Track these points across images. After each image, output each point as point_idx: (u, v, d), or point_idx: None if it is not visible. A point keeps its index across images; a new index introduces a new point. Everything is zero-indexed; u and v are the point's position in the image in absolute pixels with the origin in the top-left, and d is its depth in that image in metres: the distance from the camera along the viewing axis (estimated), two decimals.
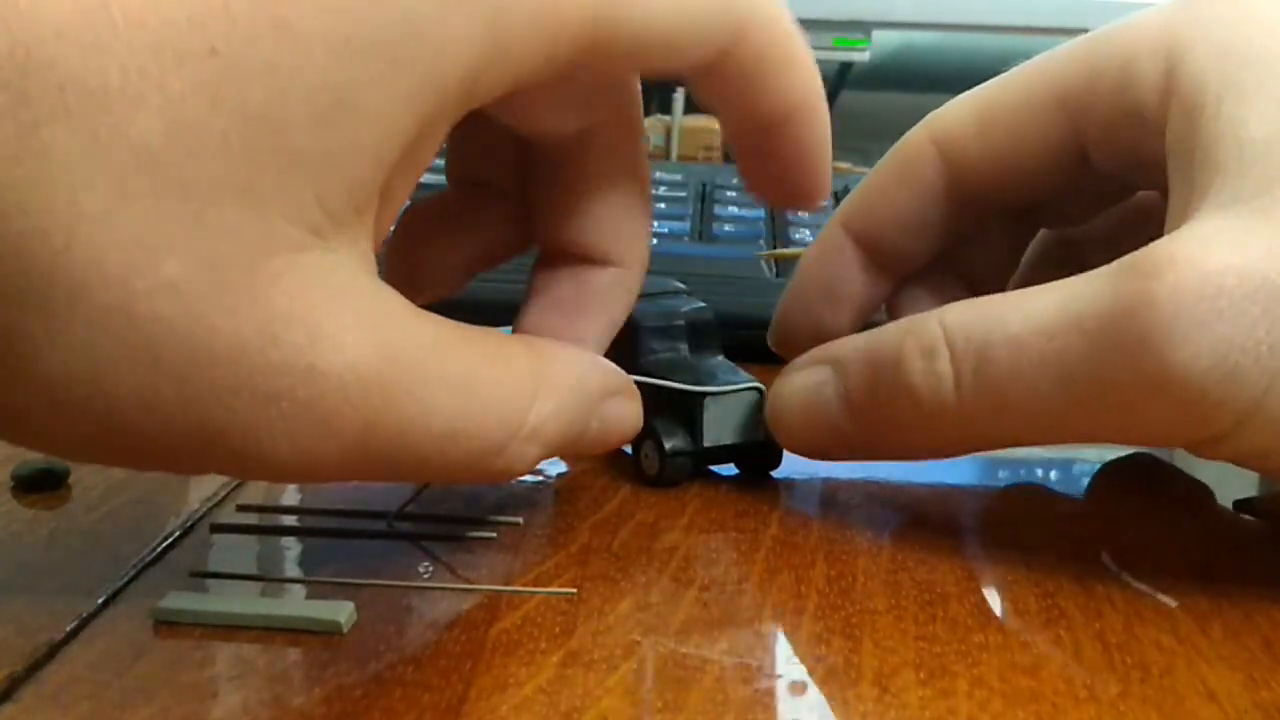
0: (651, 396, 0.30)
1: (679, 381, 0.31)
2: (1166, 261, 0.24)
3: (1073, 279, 0.26)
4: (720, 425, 0.31)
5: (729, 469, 0.32)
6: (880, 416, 0.28)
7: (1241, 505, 0.30)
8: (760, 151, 0.29)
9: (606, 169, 0.28)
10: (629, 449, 0.32)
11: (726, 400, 0.31)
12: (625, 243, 0.29)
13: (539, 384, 0.25)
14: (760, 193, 0.30)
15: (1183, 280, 0.24)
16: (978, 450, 0.29)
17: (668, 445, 0.30)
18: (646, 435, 0.31)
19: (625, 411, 0.28)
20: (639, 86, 0.28)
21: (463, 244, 0.30)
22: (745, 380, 0.31)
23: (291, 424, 0.20)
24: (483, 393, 0.24)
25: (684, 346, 0.32)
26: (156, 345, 0.19)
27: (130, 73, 0.18)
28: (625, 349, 0.32)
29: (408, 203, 0.26)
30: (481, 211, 0.30)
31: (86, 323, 0.19)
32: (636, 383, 0.30)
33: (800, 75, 0.28)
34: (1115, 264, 0.25)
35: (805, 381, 0.30)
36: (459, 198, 0.30)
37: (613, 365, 0.28)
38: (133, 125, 0.18)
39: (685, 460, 0.31)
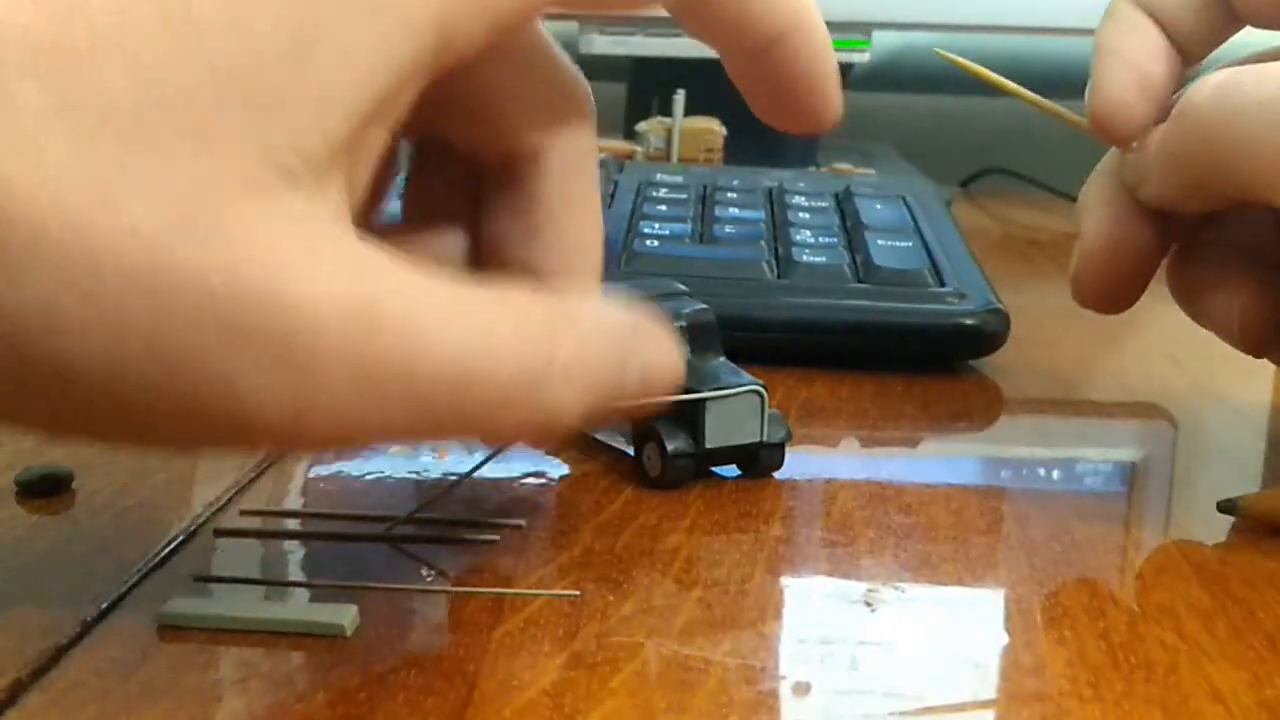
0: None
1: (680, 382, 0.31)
2: None
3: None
4: (722, 427, 0.31)
5: (731, 470, 0.32)
6: None
7: (1224, 506, 0.30)
8: (761, 75, 0.28)
9: (563, 190, 0.28)
10: (631, 451, 0.32)
11: (728, 402, 0.31)
12: (582, 259, 0.28)
13: (558, 321, 0.23)
14: (768, 120, 0.29)
15: None
16: None
17: (670, 447, 0.30)
18: (649, 437, 0.31)
19: (664, 351, 0.26)
20: (593, 106, 0.28)
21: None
22: (747, 382, 0.31)
23: (268, 370, 0.20)
24: (493, 330, 0.22)
25: (685, 349, 0.32)
26: (121, 296, 0.19)
27: (98, 34, 0.19)
28: None
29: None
30: (435, 240, 0.29)
31: (46, 273, 0.18)
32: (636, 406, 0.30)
33: None
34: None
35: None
36: (414, 227, 0.29)
37: (646, 309, 0.26)
38: (101, 83, 0.19)
39: (687, 462, 0.31)
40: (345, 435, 0.21)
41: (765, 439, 0.31)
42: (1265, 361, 0.34)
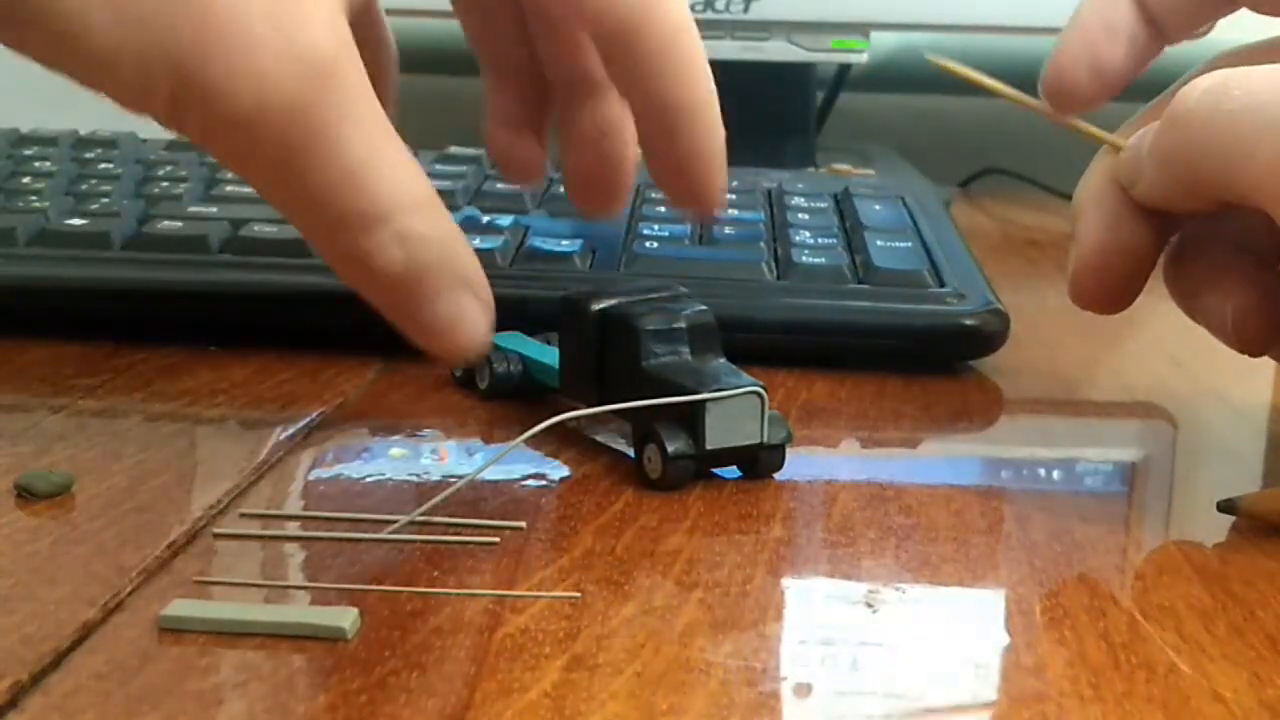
0: (654, 398, 0.30)
1: (681, 383, 0.31)
2: None
3: None
4: (723, 428, 0.31)
5: (732, 472, 0.32)
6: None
7: (1224, 506, 0.30)
8: (659, 150, 0.33)
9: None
10: (631, 452, 0.32)
11: (728, 403, 0.31)
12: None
13: (425, 203, 0.29)
14: (662, 190, 0.33)
15: None
16: None
17: (670, 449, 0.30)
18: (650, 438, 0.31)
19: (473, 311, 0.30)
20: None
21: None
22: (747, 383, 0.31)
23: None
24: (387, 157, 0.28)
25: (685, 350, 0.32)
26: None
27: None
28: (626, 352, 0.32)
29: None
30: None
31: None
32: (637, 407, 0.30)
33: (697, 75, 0.32)
34: None
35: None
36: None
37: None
38: None
39: (688, 464, 0.31)
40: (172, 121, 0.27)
41: (765, 440, 0.31)
42: (1265, 361, 0.34)
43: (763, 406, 0.31)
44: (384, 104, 0.30)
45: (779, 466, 0.32)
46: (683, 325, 0.32)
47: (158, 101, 0.26)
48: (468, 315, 0.30)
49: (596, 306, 0.33)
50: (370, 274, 0.29)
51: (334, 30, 0.27)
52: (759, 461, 0.31)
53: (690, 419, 0.30)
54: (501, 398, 0.36)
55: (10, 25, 0.25)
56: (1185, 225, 0.34)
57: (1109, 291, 0.33)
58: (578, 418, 0.32)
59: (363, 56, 0.30)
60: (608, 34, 0.31)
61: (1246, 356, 0.33)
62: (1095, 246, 0.33)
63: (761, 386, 0.31)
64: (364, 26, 0.33)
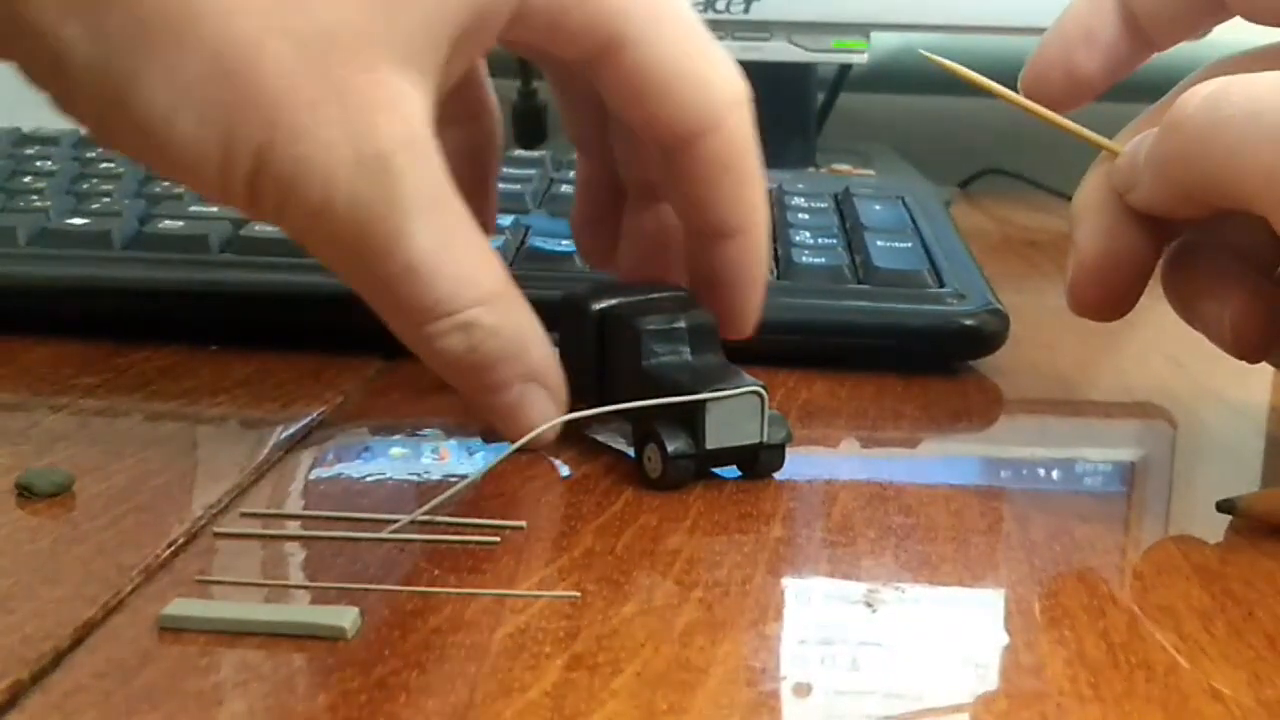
0: (654, 398, 0.30)
1: (681, 383, 0.31)
2: None
3: None
4: (723, 428, 0.31)
5: (732, 471, 0.32)
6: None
7: (1223, 506, 0.30)
8: (703, 268, 0.34)
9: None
10: (631, 452, 0.32)
11: (728, 403, 0.31)
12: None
13: (493, 296, 0.30)
14: (702, 301, 0.34)
15: None
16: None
17: (670, 448, 0.30)
18: (650, 438, 0.31)
19: (540, 402, 0.31)
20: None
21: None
22: (747, 383, 0.31)
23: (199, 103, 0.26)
24: (455, 251, 0.29)
25: (685, 349, 0.32)
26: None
27: None
28: (626, 352, 0.32)
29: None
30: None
31: None
32: (637, 408, 0.31)
33: (755, 191, 0.33)
34: None
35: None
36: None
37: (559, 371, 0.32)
38: None
39: (688, 463, 0.31)
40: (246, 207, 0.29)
41: (766, 440, 0.31)
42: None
43: (763, 406, 0.31)
44: (485, 171, 0.32)
45: (779, 466, 0.32)
46: (683, 325, 0.32)
47: (237, 195, 0.28)
48: (535, 407, 0.31)
49: (596, 306, 0.33)
50: (436, 360, 0.31)
51: (405, 126, 0.28)
52: (759, 461, 0.31)
53: (690, 419, 0.30)
54: None
55: (106, 130, 0.28)
56: (1184, 231, 0.34)
57: (1107, 299, 0.33)
58: (578, 419, 0.32)
59: (462, 128, 0.31)
60: (672, 141, 0.32)
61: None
62: (1093, 254, 0.33)
63: (762, 386, 0.31)
64: (464, 99, 0.35)
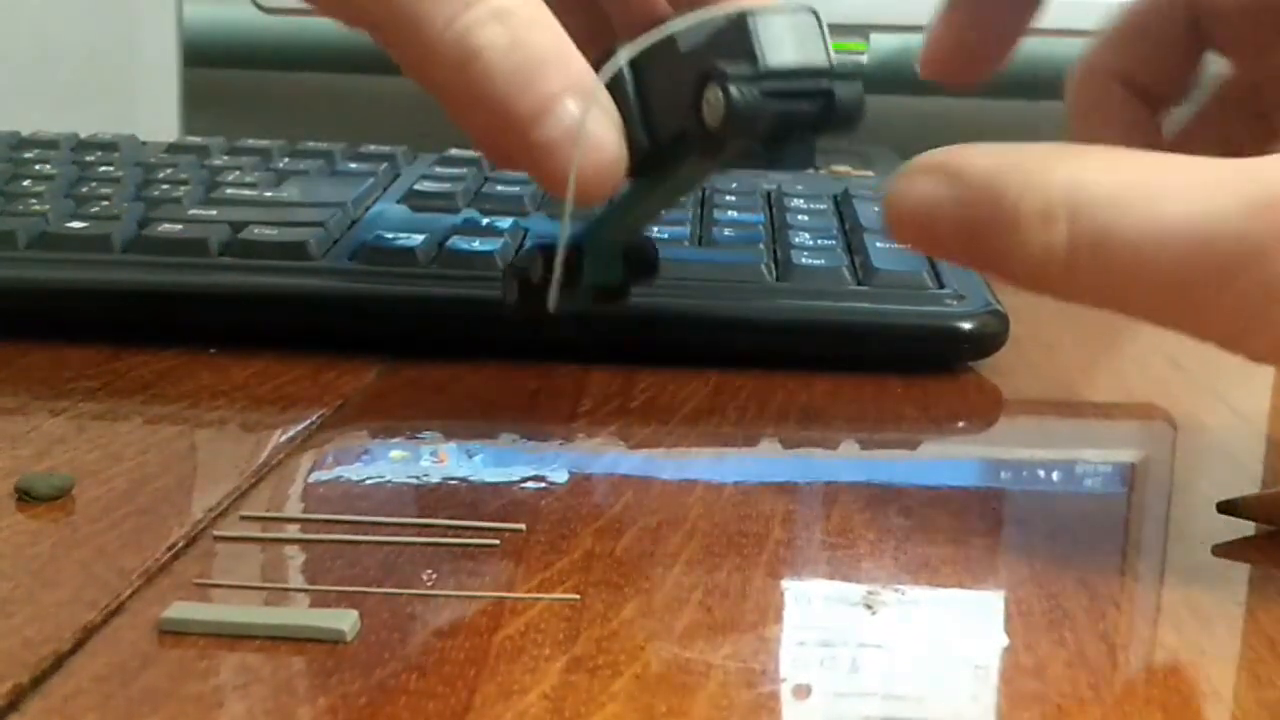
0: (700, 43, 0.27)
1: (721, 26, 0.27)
2: None
3: (1208, 179, 0.25)
4: (782, 45, 0.27)
5: (737, 466, 0.32)
6: (988, 248, 0.27)
7: (1224, 507, 0.30)
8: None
9: None
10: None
11: (780, 17, 0.27)
12: None
13: None
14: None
15: None
16: (1073, 301, 0.28)
17: (730, 71, 0.26)
18: (706, 80, 0.27)
19: (601, 120, 0.28)
20: None
21: None
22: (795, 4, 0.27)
23: None
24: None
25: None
26: None
27: None
28: (659, 65, 0.29)
29: None
30: None
31: None
32: (672, 32, 0.27)
33: None
34: (1248, 182, 0.25)
35: (923, 190, 0.28)
36: None
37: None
38: None
39: (752, 89, 0.26)
40: None
41: (834, 67, 0.27)
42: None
43: (819, 23, 0.27)
44: None
45: (860, 108, 0.28)
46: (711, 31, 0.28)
47: None
48: (598, 123, 0.28)
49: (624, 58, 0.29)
50: (474, 69, 0.28)
51: None
52: (835, 101, 0.28)
53: (742, 41, 0.26)
54: (577, 306, 0.33)
55: None
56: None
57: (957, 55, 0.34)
58: (635, 48, 0.28)
59: None
60: None
61: (1248, 359, 0.33)
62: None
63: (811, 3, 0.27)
64: None
